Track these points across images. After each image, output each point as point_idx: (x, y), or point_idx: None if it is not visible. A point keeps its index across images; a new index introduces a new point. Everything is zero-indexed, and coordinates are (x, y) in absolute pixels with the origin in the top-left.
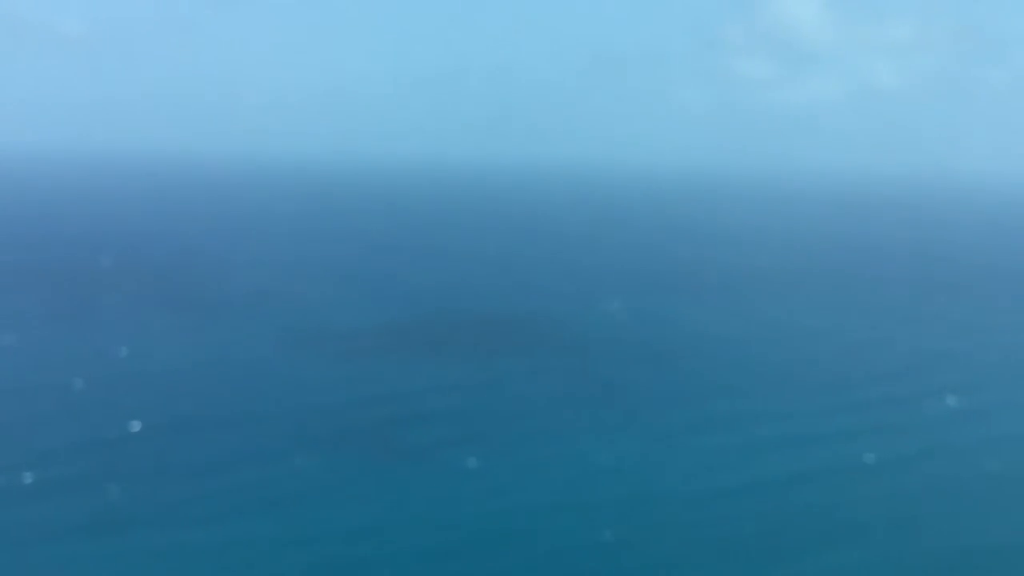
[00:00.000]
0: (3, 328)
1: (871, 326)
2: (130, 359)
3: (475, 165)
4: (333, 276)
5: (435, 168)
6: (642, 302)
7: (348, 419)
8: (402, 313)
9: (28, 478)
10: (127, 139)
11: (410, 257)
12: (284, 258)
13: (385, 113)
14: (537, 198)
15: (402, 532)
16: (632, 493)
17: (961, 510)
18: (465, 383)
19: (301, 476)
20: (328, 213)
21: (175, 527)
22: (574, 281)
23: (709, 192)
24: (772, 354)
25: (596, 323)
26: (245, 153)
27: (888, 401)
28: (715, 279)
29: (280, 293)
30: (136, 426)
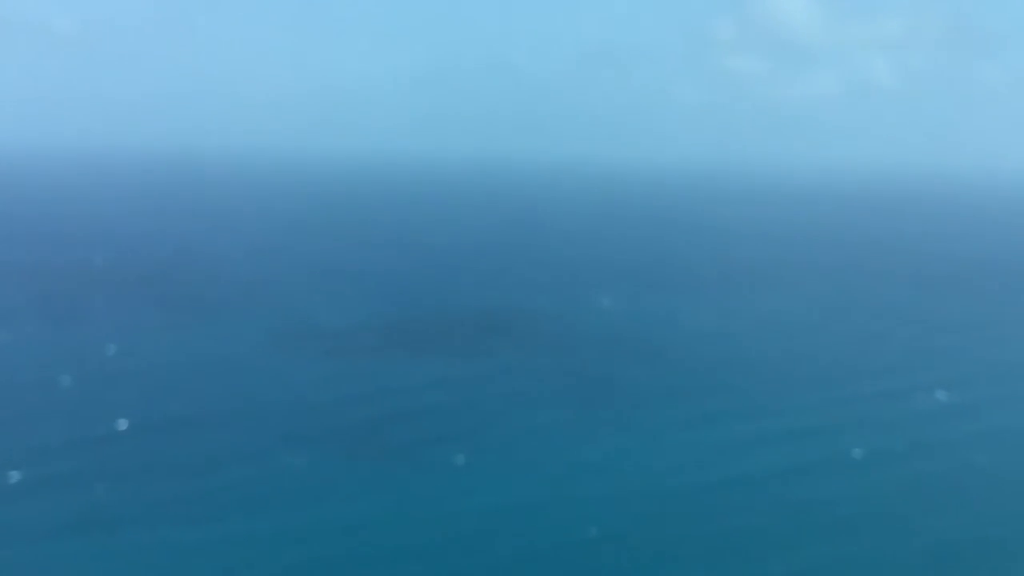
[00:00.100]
0: None
1: (863, 321)
2: (118, 357)
3: (470, 161)
4: (324, 273)
5: (431, 165)
6: (634, 298)
7: (336, 417)
8: (394, 310)
9: (14, 476)
10: (122, 138)
11: (403, 254)
12: (275, 256)
13: (382, 110)
14: (531, 194)
15: (390, 529)
16: (620, 489)
17: (950, 504)
18: (454, 380)
19: (289, 474)
20: (322, 211)
21: (163, 525)
22: (566, 277)
23: (703, 188)
24: (762, 350)
25: (587, 319)
26: (240, 151)
27: (878, 396)
28: (707, 275)
29: (270, 291)
30: (124, 424)
